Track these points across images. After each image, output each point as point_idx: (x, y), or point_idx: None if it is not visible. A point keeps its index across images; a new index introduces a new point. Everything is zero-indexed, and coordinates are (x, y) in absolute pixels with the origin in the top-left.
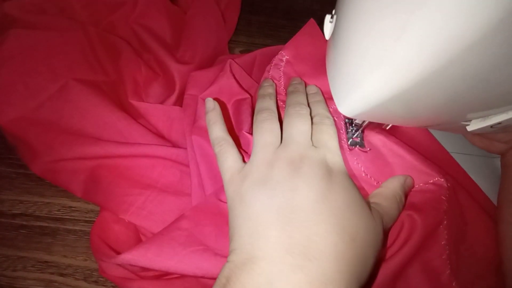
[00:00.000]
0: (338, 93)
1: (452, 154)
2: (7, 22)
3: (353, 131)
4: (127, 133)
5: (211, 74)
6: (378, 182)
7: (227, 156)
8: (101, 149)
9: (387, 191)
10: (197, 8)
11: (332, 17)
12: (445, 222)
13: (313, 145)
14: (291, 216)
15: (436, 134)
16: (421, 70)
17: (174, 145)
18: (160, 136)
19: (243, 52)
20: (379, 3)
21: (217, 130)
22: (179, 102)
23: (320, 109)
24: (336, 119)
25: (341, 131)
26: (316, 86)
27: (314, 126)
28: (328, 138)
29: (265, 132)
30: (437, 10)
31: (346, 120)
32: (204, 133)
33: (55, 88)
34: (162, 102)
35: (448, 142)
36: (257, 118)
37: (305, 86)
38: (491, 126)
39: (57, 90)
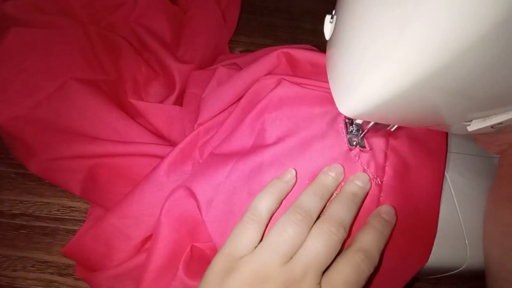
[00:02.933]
0: (338, 93)
1: (452, 154)
2: (7, 22)
3: (354, 131)
4: (125, 133)
5: (212, 73)
6: (381, 181)
7: (248, 232)
8: (99, 147)
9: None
10: (197, 7)
11: (332, 18)
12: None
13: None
14: None
15: None
16: (421, 70)
17: (174, 144)
18: (160, 135)
19: (243, 52)
20: (378, 3)
21: (267, 203)
22: (179, 101)
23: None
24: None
25: (342, 134)
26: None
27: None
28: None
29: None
30: (437, 9)
31: (347, 120)
32: None
33: (53, 87)
34: (162, 102)
35: (448, 142)
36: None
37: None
38: (492, 126)
39: (55, 89)
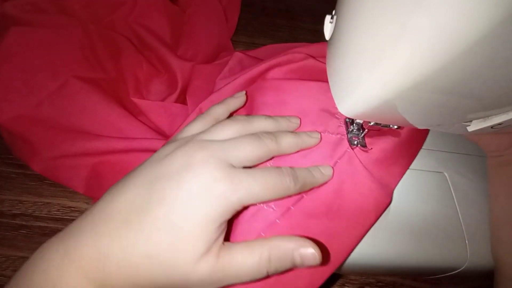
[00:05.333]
0: (338, 93)
1: (452, 154)
2: (7, 22)
3: (354, 130)
4: (127, 131)
5: (216, 68)
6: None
7: (196, 124)
8: (102, 144)
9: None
10: (198, 5)
11: (332, 18)
12: None
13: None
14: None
15: (436, 134)
16: (421, 70)
17: None
18: (161, 133)
19: None
20: (378, 3)
21: (220, 108)
22: (181, 99)
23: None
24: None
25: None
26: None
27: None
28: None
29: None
30: (437, 10)
31: (347, 120)
32: None
33: (55, 86)
34: (163, 100)
35: (448, 142)
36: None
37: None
38: (492, 127)
39: (57, 88)
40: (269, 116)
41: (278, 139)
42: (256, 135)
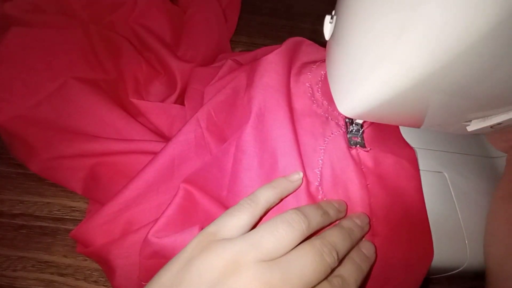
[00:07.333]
0: (338, 93)
1: (452, 154)
2: (7, 22)
3: (354, 130)
4: (126, 132)
5: (213, 71)
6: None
7: (240, 215)
8: (100, 146)
9: None
10: (198, 6)
11: (332, 18)
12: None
13: None
14: None
15: (436, 134)
16: (420, 70)
17: None
18: (161, 134)
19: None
20: (378, 3)
21: (271, 195)
22: (180, 100)
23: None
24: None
25: (342, 131)
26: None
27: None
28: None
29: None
30: (437, 10)
31: (347, 120)
32: None
33: (54, 86)
34: (163, 101)
35: (448, 142)
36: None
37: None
38: (491, 127)
39: (56, 89)
40: (322, 212)
41: (339, 251)
42: (318, 252)
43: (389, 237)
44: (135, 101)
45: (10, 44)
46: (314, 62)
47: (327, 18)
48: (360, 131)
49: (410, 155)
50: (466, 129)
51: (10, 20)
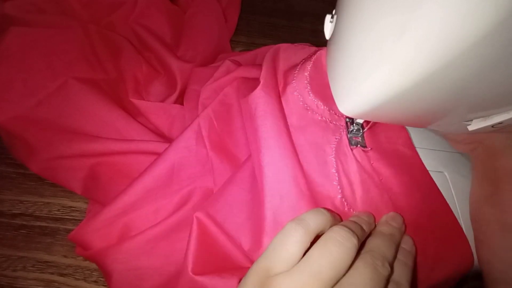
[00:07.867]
0: (338, 93)
1: (451, 154)
2: (7, 22)
3: (354, 130)
4: (126, 132)
5: (214, 71)
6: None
7: (291, 244)
8: (100, 146)
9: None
10: (198, 6)
11: (332, 17)
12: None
13: None
14: None
15: (436, 133)
16: (421, 70)
17: None
18: (160, 134)
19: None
20: (378, 3)
21: (316, 217)
22: (180, 100)
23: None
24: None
25: (342, 131)
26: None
27: None
28: None
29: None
30: (437, 10)
31: (347, 119)
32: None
33: (54, 86)
34: (163, 101)
35: (448, 142)
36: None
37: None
38: (492, 126)
39: (56, 89)
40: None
41: (389, 260)
42: (372, 267)
43: (417, 225)
44: (135, 101)
45: (10, 44)
46: (295, 66)
47: (328, 17)
48: (361, 131)
49: (405, 139)
50: (467, 129)
51: (10, 20)
